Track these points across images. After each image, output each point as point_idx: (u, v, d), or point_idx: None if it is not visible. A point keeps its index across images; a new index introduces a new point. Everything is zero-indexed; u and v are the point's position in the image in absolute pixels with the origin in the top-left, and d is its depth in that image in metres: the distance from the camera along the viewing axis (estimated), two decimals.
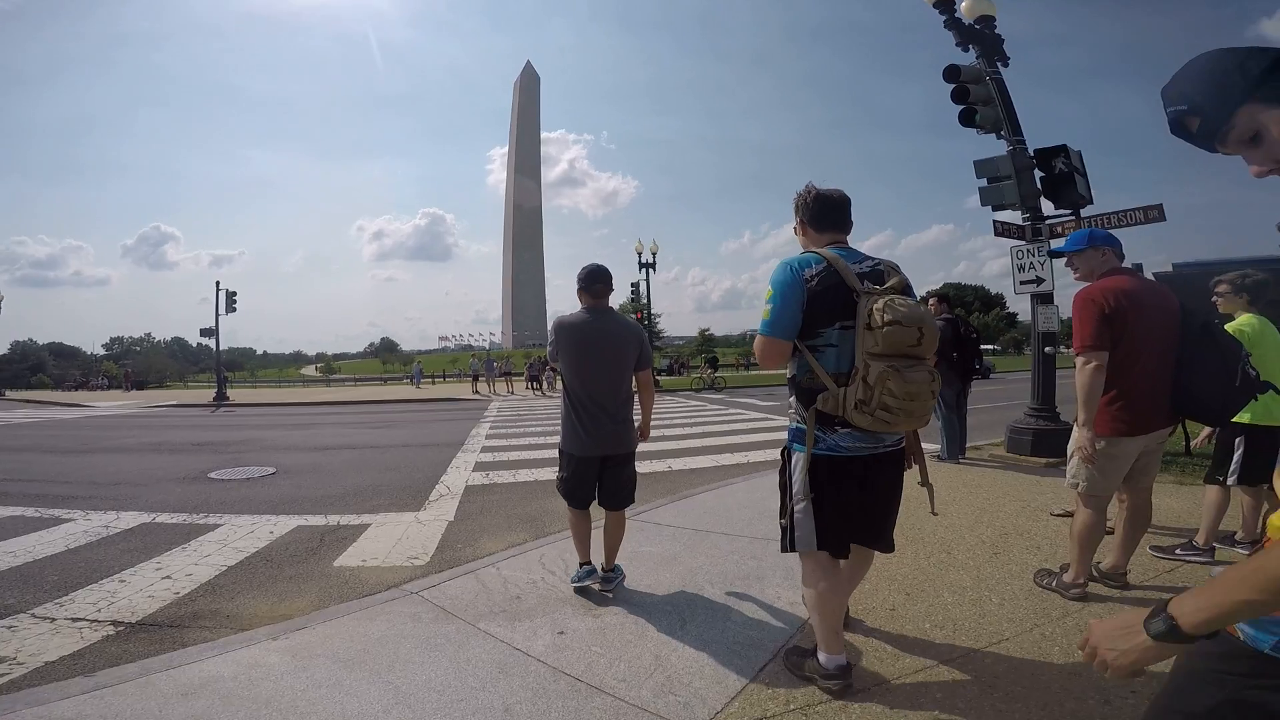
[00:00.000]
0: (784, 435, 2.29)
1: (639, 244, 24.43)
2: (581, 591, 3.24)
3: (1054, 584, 3.10)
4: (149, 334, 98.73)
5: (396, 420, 15.02)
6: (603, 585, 3.25)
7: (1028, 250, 6.78)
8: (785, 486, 2.23)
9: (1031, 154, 6.77)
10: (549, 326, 3.33)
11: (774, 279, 2.15)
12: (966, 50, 7.03)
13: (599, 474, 3.19)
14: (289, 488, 6.58)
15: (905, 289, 2.17)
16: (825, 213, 2.30)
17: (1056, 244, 6.21)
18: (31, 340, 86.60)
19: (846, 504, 2.14)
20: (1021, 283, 6.81)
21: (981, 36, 6.94)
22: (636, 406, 3.32)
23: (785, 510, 2.22)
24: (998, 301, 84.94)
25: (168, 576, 3.81)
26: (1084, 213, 6.65)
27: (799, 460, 2.15)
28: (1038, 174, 6.77)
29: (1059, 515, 4.42)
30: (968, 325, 6.99)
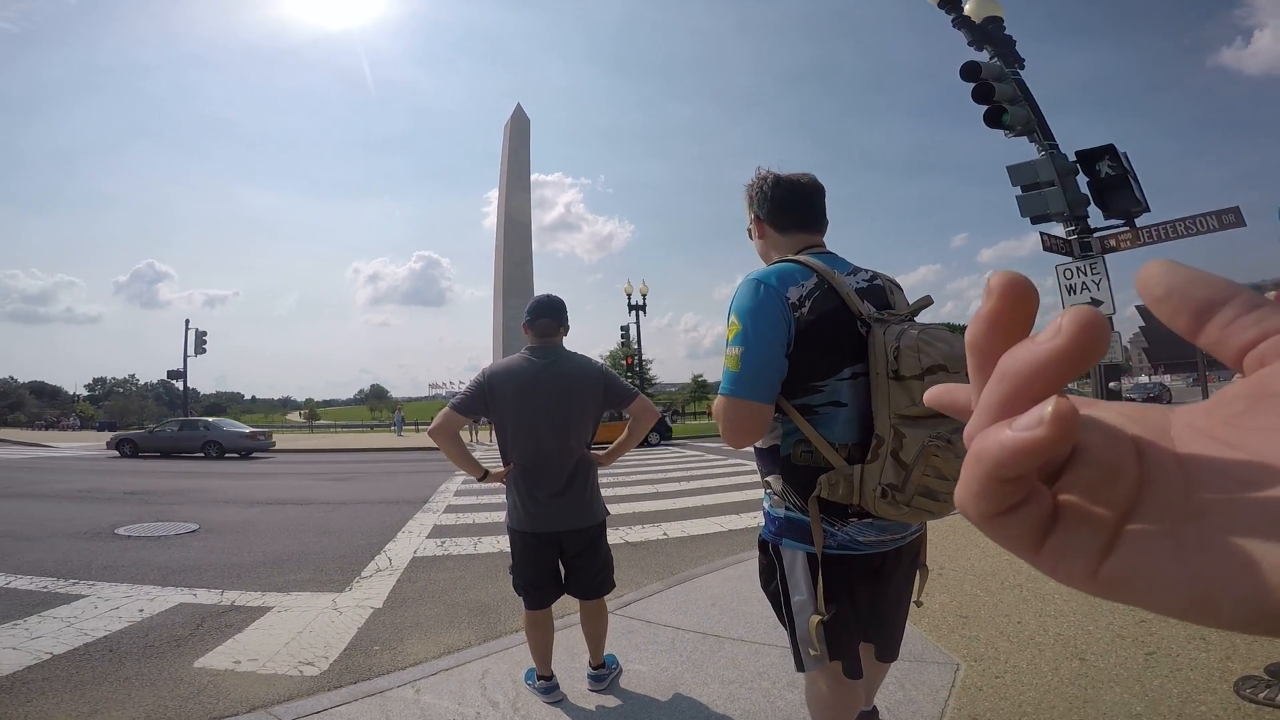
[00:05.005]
0: None
1: (628, 285, 23.87)
2: (556, 703, 2.50)
3: (1276, 696, 2.22)
4: (133, 375, 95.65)
5: (364, 471, 13.76)
6: (593, 685, 2.64)
7: (1078, 269, 5.88)
8: (781, 596, 1.57)
9: (1072, 157, 6.01)
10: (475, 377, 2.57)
11: (740, 306, 1.44)
12: (981, 50, 6.42)
13: (559, 557, 2.52)
14: (199, 551, 5.43)
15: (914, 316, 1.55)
16: (792, 204, 1.63)
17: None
18: (13, 378, 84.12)
19: (859, 608, 1.58)
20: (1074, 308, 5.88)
21: (994, 37, 6.34)
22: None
23: (787, 623, 1.59)
24: None
25: None
26: (1140, 222, 5.82)
27: (799, 562, 1.51)
28: (1081, 180, 6.01)
29: None
30: None
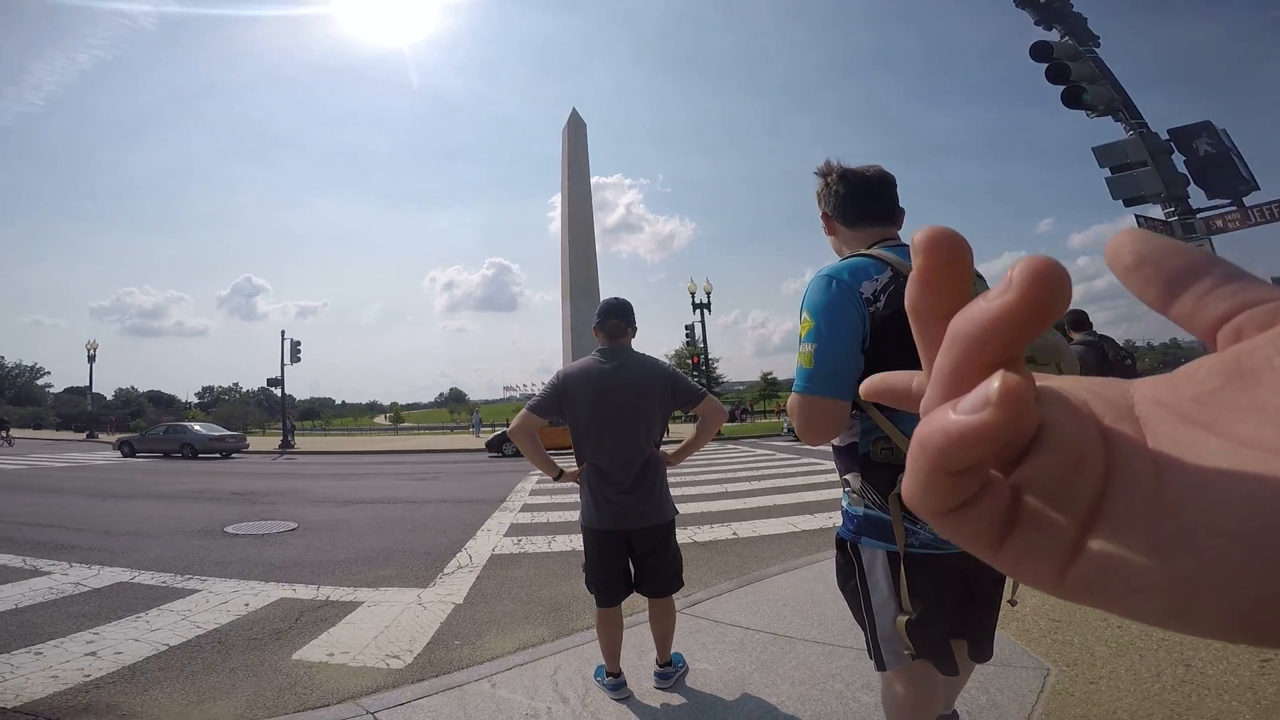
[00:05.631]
0: None
1: (691, 283, 23.73)
2: (623, 700, 2.53)
3: None
4: (236, 383, 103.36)
5: (445, 471, 14.36)
6: (659, 683, 2.64)
7: None
8: (860, 594, 1.55)
9: (1165, 136, 5.53)
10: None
11: (812, 302, 1.43)
12: (1050, 30, 6.01)
13: (629, 555, 2.57)
14: (298, 549, 5.81)
15: None
16: (859, 198, 1.60)
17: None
18: (133, 388, 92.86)
19: (947, 606, 1.54)
20: None
21: (1062, 15, 5.91)
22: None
23: (866, 622, 1.56)
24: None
25: (93, 653, 3.12)
26: (1250, 201, 5.28)
27: (879, 561, 1.49)
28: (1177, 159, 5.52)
29: None
30: (1116, 347, 5.21)
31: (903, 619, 1.47)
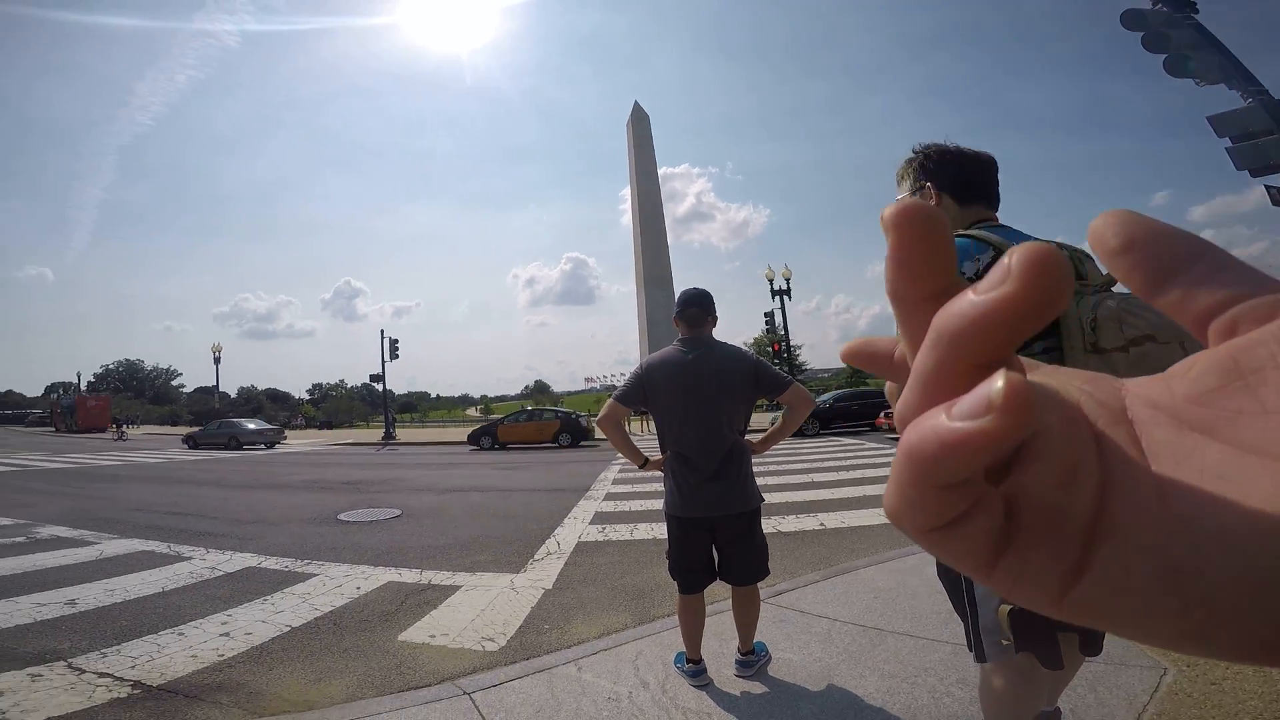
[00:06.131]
0: None
1: (769, 270, 23.14)
2: (702, 687, 2.56)
3: None
4: (342, 380, 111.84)
5: (531, 461, 14.85)
6: (740, 671, 2.66)
7: None
8: (963, 582, 1.52)
9: None
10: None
11: None
12: None
13: (712, 542, 2.57)
14: (403, 534, 6.21)
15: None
16: (974, 176, 1.56)
17: None
18: (253, 386, 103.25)
19: None
20: None
21: None
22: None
23: (967, 612, 1.52)
24: None
25: (226, 634, 3.44)
26: None
27: None
28: None
29: None
30: None
31: (1005, 609, 1.43)
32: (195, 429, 28.90)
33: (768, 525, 2.91)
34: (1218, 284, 0.16)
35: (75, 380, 77.00)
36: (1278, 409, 0.14)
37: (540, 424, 19.66)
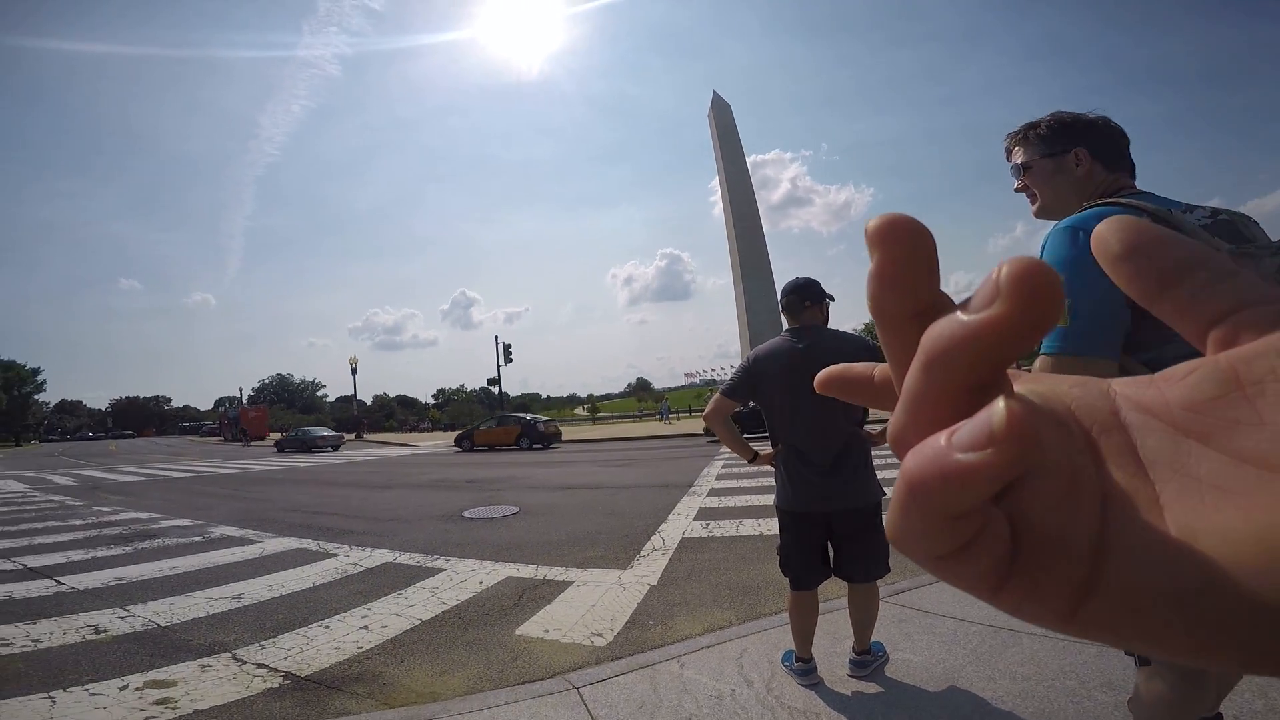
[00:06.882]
0: None
1: None
2: (811, 686, 2.52)
3: None
4: (463, 385, 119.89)
5: (637, 458, 15.09)
6: (854, 670, 2.59)
7: None
8: None
9: None
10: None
11: (1056, 258, 1.22)
12: None
13: (828, 538, 2.50)
14: (521, 530, 6.53)
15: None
16: (1119, 144, 1.43)
17: None
18: (385, 393, 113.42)
19: None
20: None
21: None
22: None
23: None
24: None
25: (365, 626, 3.73)
26: None
27: None
28: None
29: None
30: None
31: None
32: (281, 435, 34.80)
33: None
34: (1219, 292, 0.16)
35: (238, 394, 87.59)
36: (1275, 421, 0.14)
37: (506, 429, 23.46)
